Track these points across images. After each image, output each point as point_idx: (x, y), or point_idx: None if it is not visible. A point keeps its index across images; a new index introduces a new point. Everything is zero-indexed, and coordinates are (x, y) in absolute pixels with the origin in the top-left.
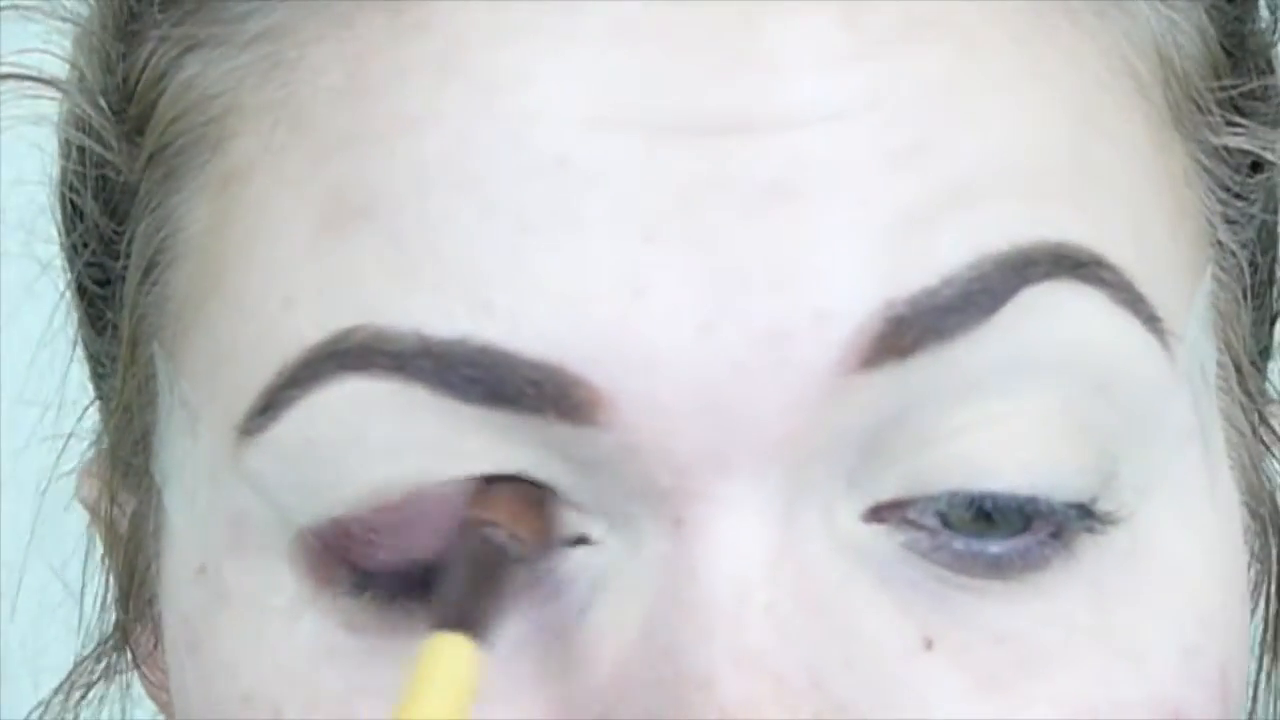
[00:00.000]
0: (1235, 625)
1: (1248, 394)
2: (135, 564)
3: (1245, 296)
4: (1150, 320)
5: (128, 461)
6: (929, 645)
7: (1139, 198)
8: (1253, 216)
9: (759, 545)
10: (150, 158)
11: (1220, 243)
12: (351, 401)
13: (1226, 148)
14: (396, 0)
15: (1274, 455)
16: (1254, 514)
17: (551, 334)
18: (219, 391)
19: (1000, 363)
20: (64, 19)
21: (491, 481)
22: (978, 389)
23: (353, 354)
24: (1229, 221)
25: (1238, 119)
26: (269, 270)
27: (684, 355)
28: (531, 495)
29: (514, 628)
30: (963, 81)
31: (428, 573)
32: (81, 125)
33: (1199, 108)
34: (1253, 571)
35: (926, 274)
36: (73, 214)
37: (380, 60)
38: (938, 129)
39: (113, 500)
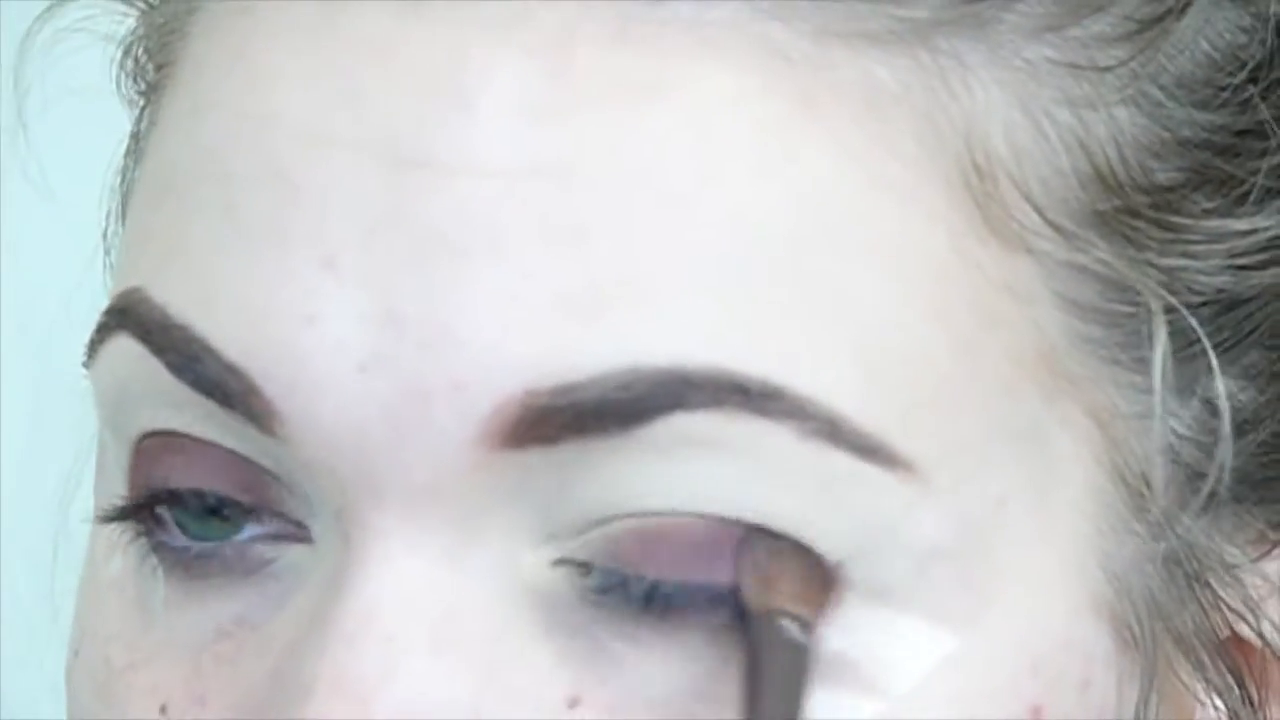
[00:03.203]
0: None
1: (1150, 525)
2: None
3: (1165, 416)
4: (863, 451)
5: None
6: (574, 703)
7: (887, 309)
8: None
9: (402, 578)
10: (144, 79)
11: (1084, 365)
12: (123, 357)
13: (1103, 265)
14: None
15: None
16: (1135, 644)
17: (242, 342)
18: None
19: (655, 481)
20: None
21: (750, 536)
22: (637, 499)
23: (126, 313)
24: (1102, 344)
25: (1127, 235)
26: (127, 224)
27: (344, 390)
28: (805, 556)
29: (225, 610)
30: (664, 160)
31: (169, 499)
32: None
33: (1045, 217)
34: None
35: (572, 369)
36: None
37: (215, 39)
38: (618, 213)
39: None
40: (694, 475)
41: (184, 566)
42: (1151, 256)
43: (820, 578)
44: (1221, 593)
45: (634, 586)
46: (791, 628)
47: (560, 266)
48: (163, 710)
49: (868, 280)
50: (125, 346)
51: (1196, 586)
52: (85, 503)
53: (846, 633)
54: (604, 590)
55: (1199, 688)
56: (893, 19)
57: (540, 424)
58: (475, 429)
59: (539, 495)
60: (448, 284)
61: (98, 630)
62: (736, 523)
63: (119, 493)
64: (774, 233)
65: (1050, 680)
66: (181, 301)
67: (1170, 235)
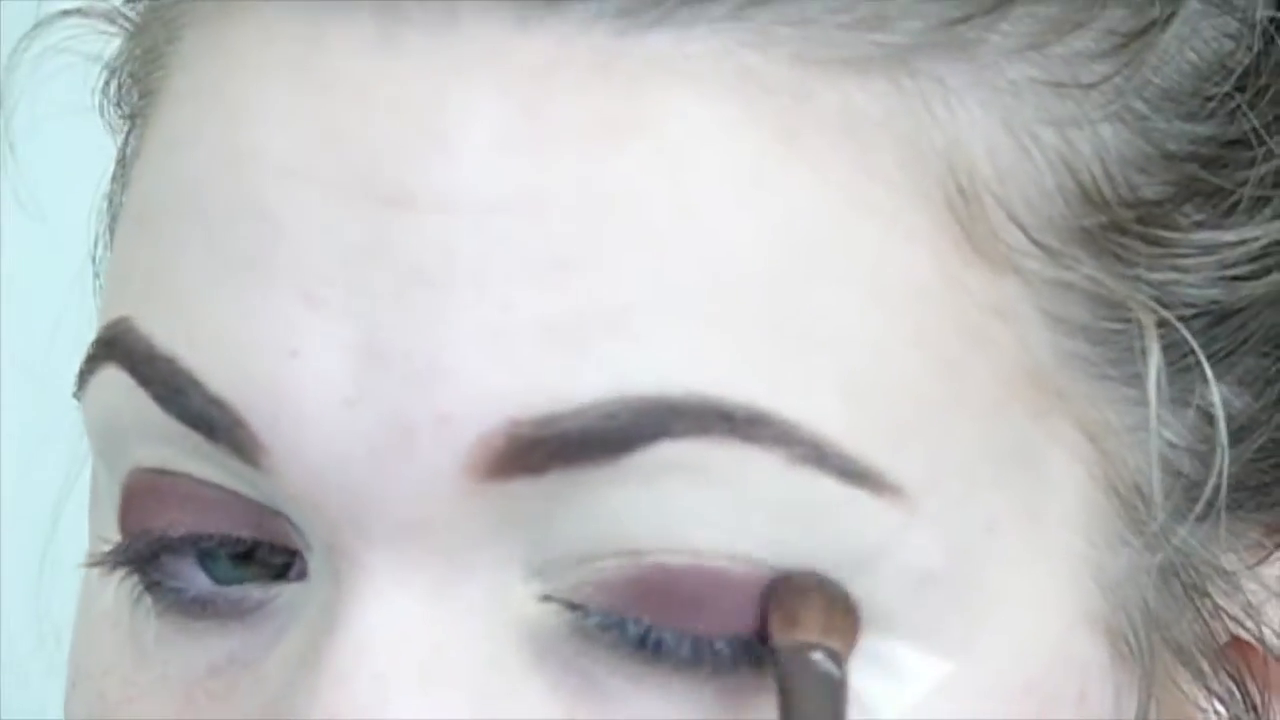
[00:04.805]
0: None
1: (1144, 537)
2: None
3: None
4: (850, 476)
5: None
6: None
7: (871, 336)
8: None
9: (392, 615)
10: (138, 94)
11: (1074, 381)
12: (112, 388)
13: (1091, 282)
14: (217, 18)
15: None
16: (1131, 656)
17: (226, 375)
18: None
19: (642, 512)
20: None
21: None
22: (626, 533)
23: (114, 344)
24: (1091, 361)
25: (1115, 252)
26: (113, 252)
27: (328, 424)
28: (828, 591)
29: (219, 647)
30: (644, 193)
31: (163, 550)
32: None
33: (1030, 237)
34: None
35: (557, 399)
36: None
37: (193, 73)
38: (598, 245)
39: None
40: (681, 505)
41: (180, 608)
42: (1141, 272)
43: (843, 610)
44: (1221, 601)
45: (630, 628)
46: (824, 661)
47: (541, 298)
48: None
49: (849, 306)
50: (113, 377)
51: (1195, 596)
52: (75, 522)
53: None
54: (600, 627)
55: (1199, 695)
56: (872, 44)
57: (526, 454)
58: (460, 460)
59: (526, 527)
60: (429, 318)
61: (92, 666)
62: (727, 560)
63: (110, 533)
64: (753, 262)
65: (1045, 697)
66: (166, 333)
67: (1160, 250)
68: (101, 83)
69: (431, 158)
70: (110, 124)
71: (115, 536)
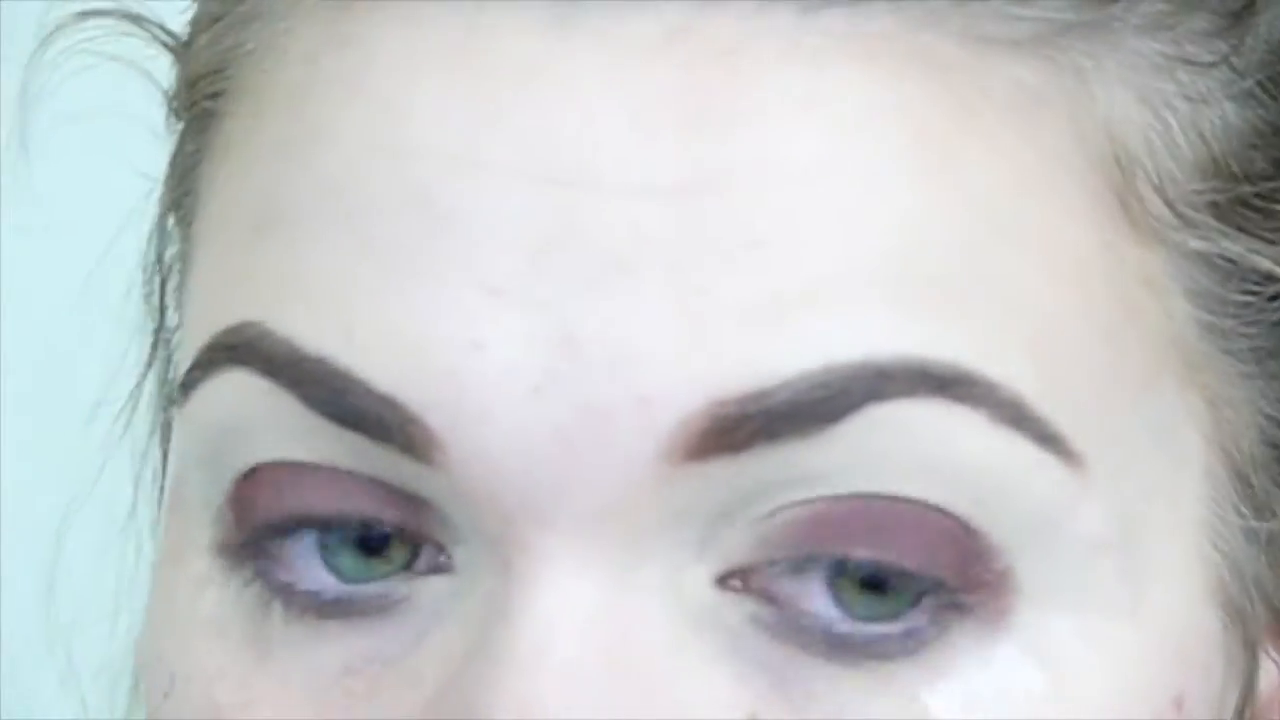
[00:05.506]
0: None
1: (1255, 506)
2: None
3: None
4: (1044, 439)
5: None
6: None
7: (1049, 304)
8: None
9: (573, 603)
10: (190, 105)
11: (1204, 352)
12: (237, 392)
13: (1222, 254)
14: (337, 9)
15: None
16: (1242, 624)
17: (397, 372)
18: (181, 358)
19: (846, 470)
20: None
21: None
22: (824, 482)
23: (240, 348)
24: (1220, 332)
25: (1239, 224)
26: (213, 254)
27: (513, 415)
28: None
29: (355, 646)
30: (833, 168)
31: (286, 543)
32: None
33: (1174, 209)
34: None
35: (761, 376)
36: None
37: (317, 67)
38: (790, 221)
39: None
40: (880, 461)
41: (315, 610)
42: (1260, 245)
43: None
44: None
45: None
46: None
47: (736, 279)
48: None
49: (1028, 276)
50: (240, 381)
51: None
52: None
53: (1016, 633)
54: (779, 621)
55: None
56: (1034, 22)
57: (730, 433)
58: (660, 444)
59: (710, 508)
60: (622, 302)
61: (195, 671)
62: (911, 502)
63: (201, 536)
64: (941, 234)
65: (1188, 668)
66: (313, 334)
67: (1275, 224)
68: (173, 81)
69: (617, 139)
70: (169, 124)
71: (205, 539)
